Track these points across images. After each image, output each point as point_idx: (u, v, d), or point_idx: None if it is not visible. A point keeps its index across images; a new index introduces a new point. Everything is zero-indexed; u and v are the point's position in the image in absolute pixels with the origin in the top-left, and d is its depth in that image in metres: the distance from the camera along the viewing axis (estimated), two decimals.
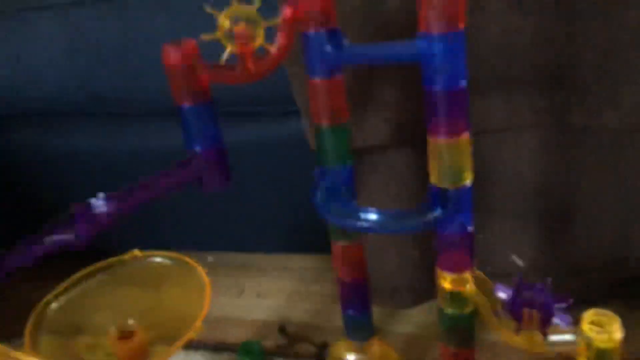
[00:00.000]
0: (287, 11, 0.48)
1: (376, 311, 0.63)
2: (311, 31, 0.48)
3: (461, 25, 0.42)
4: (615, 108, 0.57)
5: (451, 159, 0.45)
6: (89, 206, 0.51)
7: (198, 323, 0.52)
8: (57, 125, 0.86)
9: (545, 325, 0.41)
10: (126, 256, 0.64)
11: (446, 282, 0.48)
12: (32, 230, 0.78)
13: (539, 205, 0.63)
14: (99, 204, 0.51)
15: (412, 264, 0.69)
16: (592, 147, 0.59)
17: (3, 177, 0.92)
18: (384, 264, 0.68)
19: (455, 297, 0.49)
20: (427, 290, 0.68)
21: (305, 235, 0.83)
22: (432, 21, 0.41)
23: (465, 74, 0.43)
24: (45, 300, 0.59)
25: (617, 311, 0.41)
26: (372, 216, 0.46)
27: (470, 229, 0.47)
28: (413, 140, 0.62)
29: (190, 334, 0.51)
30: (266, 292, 0.83)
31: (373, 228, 0.46)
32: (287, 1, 0.48)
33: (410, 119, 0.62)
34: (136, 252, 0.65)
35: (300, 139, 0.68)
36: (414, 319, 0.74)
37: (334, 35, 0.48)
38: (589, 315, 0.41)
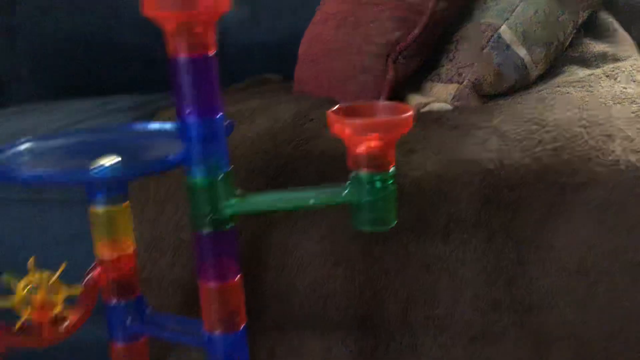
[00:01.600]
0: (89, 281, 0.49)
1: None
2: (113, 301, 0.49)
3: (241, 325, 0.44)
4: (417, 358, 0.61)
5: None
6: None
7: None
8: None
9: None
10: None
11: None
12: None
13: None
14: None
15: None
16: None
17: None
18: None
19: None
20: None
21: None
22: (213, 323, 0.43)
23: None
24: None
25: None
26: None
27: None
28: None
29: None
30: None
31: None
32: (91, 270, 0.49)
33: None
34: None
35: None
36: None
37: (136, 305, 0.50)
38: None
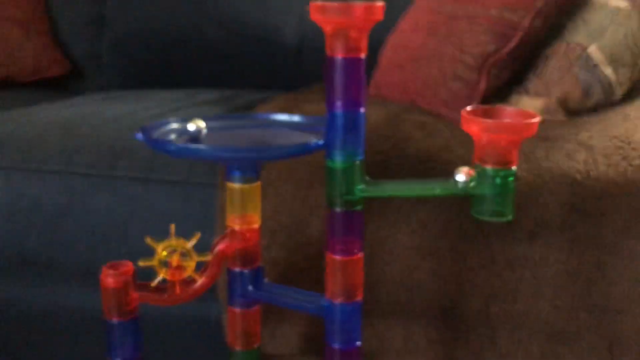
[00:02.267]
0: (219, 248, 0.55)
1: None
2: (236, 269, 0.55)
3: (359, 297, 0.49)
4: (494, 352, 0.65)
5: None
6: None
7: None
8: None
9: None
10: None
11: None
12: None
13: None
14: None
15: None
16: None
17: None
18: None
19: None
20: None
21: None
22: (335, 292, 0.49)
23: (360, 335, 0.50)
24: None
25: None
26: None
27: None
28: (321, 351, 0.68)
29: None
30: None
31: None
32: (221, 240, 0.55)
33: (320, 333, 0.68)
34: None
35: (217, 326, 0.73)
36: None
37: (255, 275, 0.55)
38: None
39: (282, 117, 0.58)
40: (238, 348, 0.57)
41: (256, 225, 0.55)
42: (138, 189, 0.78)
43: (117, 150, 0.81)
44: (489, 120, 0.42)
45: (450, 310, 0.66)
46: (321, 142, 0.46)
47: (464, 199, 0.65)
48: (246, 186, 0.54)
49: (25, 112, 0.99)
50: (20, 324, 0.87)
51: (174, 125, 0.56)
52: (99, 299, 0.56)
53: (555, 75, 0.76)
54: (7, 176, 0.82)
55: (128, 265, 0.55)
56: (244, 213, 0.54)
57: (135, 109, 1.01)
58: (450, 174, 0.45)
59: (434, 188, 0.45)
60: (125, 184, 0.79)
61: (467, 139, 0.71)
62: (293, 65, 1.31)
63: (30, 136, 0.86)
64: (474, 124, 0.42)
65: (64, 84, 1.53)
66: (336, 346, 0.49)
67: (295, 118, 0.57)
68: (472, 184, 0.44)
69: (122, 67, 1.47)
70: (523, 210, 0.64)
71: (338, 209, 0.47)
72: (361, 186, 0.46)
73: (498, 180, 0.43)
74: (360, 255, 0.49)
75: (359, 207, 0.47)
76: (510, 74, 0.81)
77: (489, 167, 0.43)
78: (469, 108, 0.44)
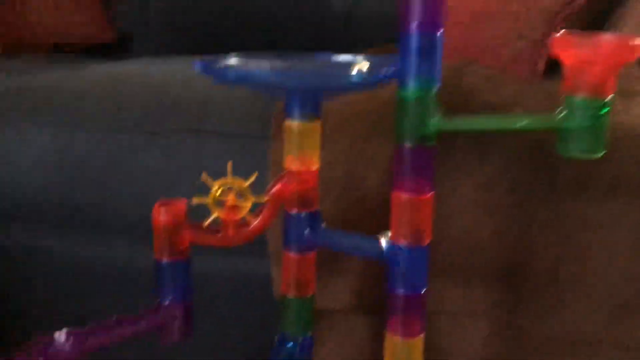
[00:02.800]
0: (275, 189, 0.52)
1: None
2: (293, 211, 0.52)
3: (426, 241, 0.46)
4: (560, 315, 0.61)
5: (405, 356, 0.48)
6: (51, 342, 0.51)
7: None
8: (31, 229, 0.87)
9: None
10: None
11: None
12: None
13: None
14: (61, 340, 0.52)
15: None
16: (536, 349, 0.63)
17: None
18: None
19: None
20: None
21: None
22: (401, 234, 0.45)
23: (426, 282, 0.47)
24: None
25: None
26: None
27: None
28: (374, 309, 0.65)
29: None
30: None
31: None
32: (277, 181, 0.52)
33: (374, 289, 0.65)
34: None
35: (265, 282, 0.71)
36: None
37: (313, 218, 0.52)
38: None
39: (347, 56, 0.55)
40: (291, 295, 0.54)
41: (315, 167, 0.52)
42: (188, 144, 0.76)
43: (166, 105, 0.79)
44: (584, 41, 0.38)
45: (514, 272, 0.62)
46: (392, 69, 0.43)
47: (534, 150, 0.61)
48: (306, 124, 0.51)
49: (74, 71, 0.98)
50: (68, 279, 0.87)
51: (234, 61, 0.53)
52: (147, 256, 0.55)
53: (635, 31, 0.71)
54: (55, 132, 0.81)
55: (181, 204, 0.53)
56: (303, 154, 0.51)
57: (184, 67, 0.99)
58: None
59: (517, 121, 0.41)
60: (175, 139, 0.77)
61: (537, 93, 0.67)
62: (342, 31, 1.28)
63: (79, 92, 0.85)
64: (566, 47, 0.38)
65: (112, 51, 1.53)
66: (400, 292, 0.46)
67: (361, 57, 0.54)
68: (560, 116, 0.40)
69: (170, 34, 1.47)
70: (597, 167, 0.59)
71: (408, 144, 0.43)
72: (436, 119, 0.43)
73: (590, 112, 0.39)
74: (430, 195, 0.45)
75: (431, 143, 0.44)
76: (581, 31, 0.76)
77: (580, 98, 0.39)
78: (559, 33, 0.40)
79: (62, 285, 0.87)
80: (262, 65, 0.47)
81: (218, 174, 0.75)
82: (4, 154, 0.83)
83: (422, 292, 0.47)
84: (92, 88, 0.84)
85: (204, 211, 0.52)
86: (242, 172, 0.73)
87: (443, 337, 0.66)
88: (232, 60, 0.53)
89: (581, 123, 0.39)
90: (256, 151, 0.73)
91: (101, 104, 0.81)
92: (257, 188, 0.53)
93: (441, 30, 0.42)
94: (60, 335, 0.52)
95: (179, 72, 0.90)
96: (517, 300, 0.63)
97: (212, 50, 1.33)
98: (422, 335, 0.48)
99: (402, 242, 0.46)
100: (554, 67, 0.80)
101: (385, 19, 1.23)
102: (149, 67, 1.00)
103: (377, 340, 0.67)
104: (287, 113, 0.51)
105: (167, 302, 0.53)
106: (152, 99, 0.81)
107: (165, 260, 0.52)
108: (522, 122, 0.41)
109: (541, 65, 0.75)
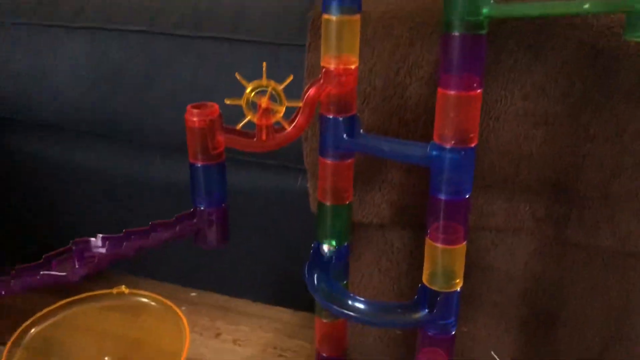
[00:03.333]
0: (310, 92, 0.49)
1: None
2: (330, 115, 0.50)
3: (473, 143, 0.43)
4: (612, 230, 0.58)
5: (446, 264, 0.46)
6: (87, 245, 0.51)
7: None
8: (68, 141, 0.87)
9: None
10: (114, 290, 0.65)
11: None
12: (26, 236, 0.78)
13: (526, 308, 0.64)
14: (97, 244, 0.52)
15: (394, 342, 0.69)
16: (585, 263, 0.60)
17: (5, 180, 0.93)
18: (365, 339, 0.69)
19: None
20: None
21: (291, 289, 0.83)
22: (446, 135, 0.42)
23: (470, 186, 0.44)
24: (28, 322, 0.60)
25: None
26: (359, 306, 0.47)
27: (453, 332, 0.48)
28: (412, 222, 0.64)
29: None
30: (242, 339, 0.83)
31: (357, 318, 0.47)
32: (313, 84, 0.49)
33: (413, 202, 0.63)
34: (123, 288, 0.65)
35: (301, 195, 0.70)
36: None
37: (351, 123, 0.50)
38: None
39: None
40: (328, 203, 0.52)
41: (353, 66, 0.49)
42: (223, 50, 0.73)
43: (201, 10, 0.76)
44: None
45: (563, 186, 0.59)
46: None
47: (590, 55, 0.56)
48: (345, 17, 0.47)
49: None
50: (100, 191, 0.87)
51: None
52: (183, 168, 0.53)
53: None
54: (90, 38, 0.80)
55: (214, 107, 0.50)
56: (341, 51, 0.48)
57: None
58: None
59: (582, 3, 0.37)
60: (210, 45, 0.74)
61: None
62: None
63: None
64: None
65: None
66: (442, 197, 0.43)
67: None
68: None
69: None
70: None
71: (456, 32, 0.39)
72: (489, 3, 0.39)
73: None
74: (479, 91, 0.42)
75: (482, 32, 0.40)
76: None
77: None
78: None
79: (97, 200, 0.88)
80: None
81: (253, 79, 0.73)
82: (40, 65, 0.82)
83: (466, 198, 0.44)
84: None
85: (240, 115, 0.50)
86: (277, 80, 0.70)
87: (485, 253, 0.64)
88: None
89: None
90: (292, 60, 0.69)
91: (136, 10, 0.79)
92: (293, 94, 0.51)
93: None
94: (97, 240, 0.52)
95: None
96: (565, 215, 0.60)
97: None
98: (464, 244, 0.46)
99: (447, 144, 0.43)
100: None
101: None
102: None
103: (415, 256, 0.66)
104: (324, 6, 0.47)
105: (202, 207, 0.52)
106: (187, 3, 0.78)
107: (199, 163, 0.51)
108: (587, 4, 0.37)
109: None
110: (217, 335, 0.85)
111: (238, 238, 0.84)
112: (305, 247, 0.59)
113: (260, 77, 0.73)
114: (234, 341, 0.83)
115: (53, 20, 0.82)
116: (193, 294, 0.91)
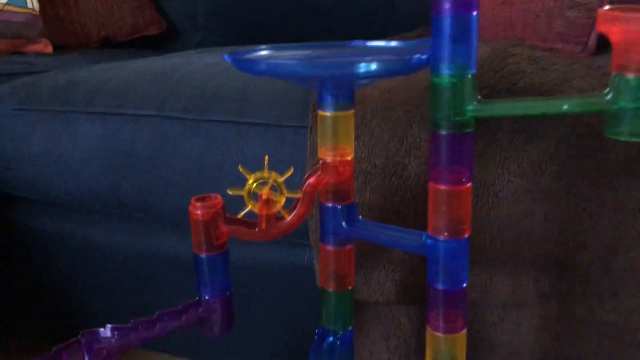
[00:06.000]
0: (310, 182, 0.51)
1: None
2: (329, 204, 0.51)
3: (466, 234, 0.44)
4: (616, 304, 0.58)
5: (447, 352, 0.46)
6: (96, 337, 0.52)
7: None
8: (79, 219, 0.90)
9: None
10: None
11: None
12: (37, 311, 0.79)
13: None
14: (106, 335, 0.53)
15: None
16: (592, 338, 0.60)
17: (19, 259, 0.95)
18: None
19: None
20: None
21: None
22: (439, 227, 0.44)
23: (467, 276, 0.45)
24: None
25: None
26: None
27: None
28: (418, 299, 0.64)
29: None
30: None
31: None
32: (312, 174, 0.51)
33: (417, 279, 0.63)
34: None
35: (308, 270, 0.71)
36: None
37: (349, 210, 0.51)
38: None
39: (379, 43, 0.53)
40: (330, 289, 0.53)
41: (349, 158, 0.51)
42: (229, 133, 0.76)
43: (209, 95, 0.80)
44: (632, 15, 0.35)
45: (566, 261, 0.59)
46: (424, 56, 0.41)
47: (584, 133, 0.57)
48: (339, 114, 0.49)
49: (121, 63, 1.00)
50: (114, 267, 0.89)
51: (264, 53, 0.52)
52: (191, 245, 0.55)
53: None
54: (103, 121, 0.83)
55: (217, 198, 0.52)
56: (337, 144, 0.50)
57: None
58: None
59: (560, 104, 0.38)
60: (217, 128, 0.77)
61: (588, 72, 0.63)
62: (385, 15, 1.26)
63: (125, 83, 0.86)
64: (614, 22, 0.35)
65: (160, 43, 1.56)
66: (439, 287, 0.44)
67: (394, 43, 0.52)
68: (608, 97, 0.37)
69: (216, 26, 1.48)
70: None
71: (444, 132, 0.41)
72: (472, 105, 0.41)
73: None
74: (469, 185, 0.43)
75: (468, 130, 0.42)
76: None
77: (631, 76, 0.36)
78: (606, 7, 0.37)
79: (106, 276, 0.89)
80: (290, 56, 0.46)
81: (258, 162, 0.75)
82: (56, 147, 0.85)
83: (463, 287, 0.45)
84: (139, 79, 0.86)
85: (242, 203, 0.52)
86: (281, 162, 0.72)
87: (491, 329, 0.64)
88: (262, 52, 0.52)
89: (633, 103, 0.36)
90: (295, 141, 0.72)
91: (147, 96, 0.83)
92: (296, 179, 0.52)
93: (475, 12, 0.39)
94: (106, 331, 0.53)
95: (221, 63, 0.90)
96: (569, 291, 0.60)
97: (259, 41, 1.32)
98: (464, 332, 0.46)
99: (440, 236, 0.44)
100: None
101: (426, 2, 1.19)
102: (193, 58, 1.01)
103: (422, 331, 0.66)
104: (319, 103, 0.49)
105: (207, 296, 0.53)
106: (195, 88, 0.82)
107: (203, 254, 0.52)
108: (565, 105, 0.38)
109: (594, 39, 0.71)
110: None
111: (245, 312, 0.84)
112: (313, 324, 0.59)
113: (263, 157, 0.75)
114: None
115: (68, 106, 0.86)
116: None
